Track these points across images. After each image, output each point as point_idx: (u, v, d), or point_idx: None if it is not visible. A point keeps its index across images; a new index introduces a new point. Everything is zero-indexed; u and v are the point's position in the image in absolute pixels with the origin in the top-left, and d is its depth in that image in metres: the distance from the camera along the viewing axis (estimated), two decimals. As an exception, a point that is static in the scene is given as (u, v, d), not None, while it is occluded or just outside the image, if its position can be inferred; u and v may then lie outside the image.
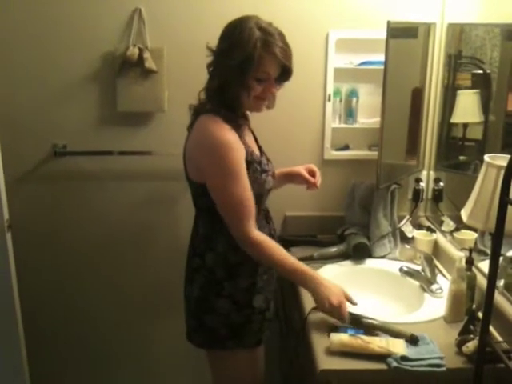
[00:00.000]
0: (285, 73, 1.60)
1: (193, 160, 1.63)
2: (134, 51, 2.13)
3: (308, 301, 1.79)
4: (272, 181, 1.72)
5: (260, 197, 1.68)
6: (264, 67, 1.54)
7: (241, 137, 1.60)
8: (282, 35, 1.57)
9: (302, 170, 1.95)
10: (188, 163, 1.65)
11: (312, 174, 1.95)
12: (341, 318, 1.58)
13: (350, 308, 1.66)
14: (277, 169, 1.85)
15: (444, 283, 1.88)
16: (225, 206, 1.58)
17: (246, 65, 1.51)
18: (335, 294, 1.58)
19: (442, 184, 2.25)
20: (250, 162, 1.61)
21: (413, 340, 1.55)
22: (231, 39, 1.54)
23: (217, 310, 1.68)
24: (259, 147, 1.78)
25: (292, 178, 1.96)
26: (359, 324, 1.60)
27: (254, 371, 1.81)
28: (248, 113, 1.75)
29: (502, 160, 1.45)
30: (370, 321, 1.61)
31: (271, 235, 1.76)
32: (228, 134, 1.55)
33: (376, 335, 1.57)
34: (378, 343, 1.50)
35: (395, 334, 1.58)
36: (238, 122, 1.61)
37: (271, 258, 1.61)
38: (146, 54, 2.14)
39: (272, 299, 1.80)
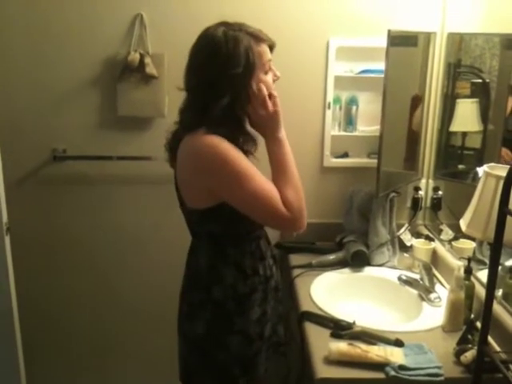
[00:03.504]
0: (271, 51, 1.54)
1: (190, 185, 1.50)
2: (135, 56, 2.14)
3: (304, 305, 1.81)
4: None
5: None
6: (266, 56, 1.49)
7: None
8: (244, 23, 1.50)
9: None
10: (183, 190, 1.53)
11: None
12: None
13: (339, 313, 1.68)
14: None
15: (442, 292, 1.88)
16: (251, 207, 1.45)
17: (252, 65, 1.44)
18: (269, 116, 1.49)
19: (440, 193, 2.25)
20: None
21: (398, 344, 1.55)
22: (221, 55, 1.43)
23: (229, 347, 1.54)
24: None
25: None
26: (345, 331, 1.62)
27: None
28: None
29: (501, 170, 1.45)
30: (356, 328, 1.63)
31: (273, 257, 1.67)
32: (214, 138, 1.42)
33: (373, 344, 1.57)
34: (377, 352, 1.50)
35: (381, 340, 1.59)
36: (243, 143, 1.50)
37: (297, 188, 1.48)
38: (147, 60, 2.14)
39: (278, 323, 1.69)
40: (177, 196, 1.59)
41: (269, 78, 1.51)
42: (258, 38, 1.47)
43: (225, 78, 1.43)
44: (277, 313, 1.67)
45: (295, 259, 2.21)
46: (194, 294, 1.60)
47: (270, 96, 1.49)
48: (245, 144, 1.52)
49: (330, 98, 2.25)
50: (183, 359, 1.65)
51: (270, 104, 1.47)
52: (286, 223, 1.47)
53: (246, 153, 1.51)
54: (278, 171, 1.49)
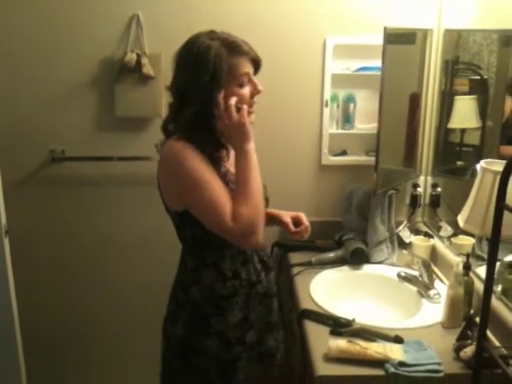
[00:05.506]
0: (257, 66, 1.52)
1: (164, 188, 1.53)
2: (131, 57, 2.14)
3: (303, 303, 1.81)
4: None
5: None
6: (242, 69, 1.46)
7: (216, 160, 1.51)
8: (231, 34, 1.50)
9: (288, 219, 1.80)
10: (162, 192, 1.56)
11: (298, 222, 1.80)
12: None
13: (338, 311, 1.67)
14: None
15: (442, 288, 1.88)
16: (200, 214, 1.46)
17: (219, 75, 1.43)
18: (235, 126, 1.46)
19: (439, 189, 2.25)
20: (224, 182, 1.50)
21: (397, 341, 1.55)
22: (191, 61, 1.45)
23: (205, 350, 1.54)
24: None
25: (279, 223, 1.82)
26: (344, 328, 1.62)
27: None
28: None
29: (498, 165, 1.45)
30: (355, 325, 1.63)
31: (262, 262, 1.64)
32: (178, 145, 1.45)
33: (373, 341, 1.57)
34: (376, 349, 1.50)
35: (380, 337, 1.59)
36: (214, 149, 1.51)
37: (254, 203, 1.44)
38: (144, 60, 2.15)
39: (267, 331, 1.64)
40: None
41: (245, 91, 1.49)
42: (235, 49, 1.46)
43: (193, 85, 1.44)
44: (265, 320, 1.63)
45: (295, 257, 2.21)
46: (177, 295, 1.62)
47: (239, 108, 1.46)
48: (216, 151, 1.52)
49: (327, 96, 2.25)
50: (164, 359, 1.65)
51: (234, 114, 1.45)
52: (231, 235, 1.45)
53: (218, 159, 1.52)
54: (238, 183, 1.48)
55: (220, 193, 1.44)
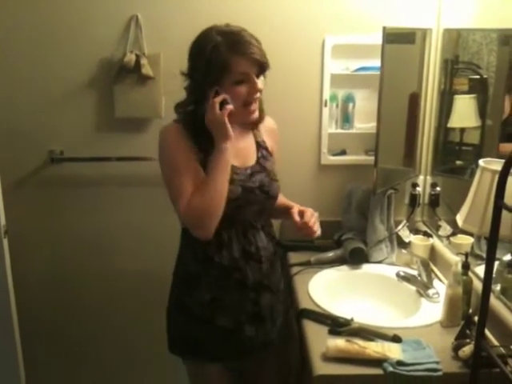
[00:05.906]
0: (262, 68, 1.52)
1: None
2: (131, 57, 2.14)
3: (302, 303, 1.81)
4: (239, 191, 1.57)
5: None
6: (240, 68, 1.47)
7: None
8: (245, 30, 1.50)
9: (296, 209, 1.75)
10: None
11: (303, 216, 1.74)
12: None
13: (337, 310, 1.68)
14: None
15: (441, 288, 1.87)
16: (169, 196, 1.58)
17: (211, 69, 1.46)
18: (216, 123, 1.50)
19: (438, 189, 2.25)
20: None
21: (396, 340, 1.56)
22: (193, 52, 1.53)
23: (180, 326, 1.68)
24: (261, 164, 1.69)
25: (286, 212, 1.77)
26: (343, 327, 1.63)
27: None
28: None
29: (496, 164, 1.45)
30: (353, 325, 1.63)
31: (244, 250, 1.62)
32: (169, 129, 1.57)
33: (371, 340, 1.57)
34: (374, 348, 1.50)
35: (378, 336, 1.59)
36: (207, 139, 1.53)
37: (210, 197, 1.49)
38: (143, 61, 2.15)
39: (249, 323, 1.64)
40: None
41: (240, 89, 1.50)
42: (236, 47, 1.47)
43: (192, 75, 1.53)
44: (246, 310, 1.63)
45: (294, 257, 2.21)
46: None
47: (222, 105, 1.49)
48: (207, 139, 1.54)
49: (326, 95, 2.25)
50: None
51: (217, 111, 1.48)
52: (183, 222, 1.58)
53: (208, 147, 1.54)
54: (205, 175, 1.53)
55: (186, 180, 1.51)
